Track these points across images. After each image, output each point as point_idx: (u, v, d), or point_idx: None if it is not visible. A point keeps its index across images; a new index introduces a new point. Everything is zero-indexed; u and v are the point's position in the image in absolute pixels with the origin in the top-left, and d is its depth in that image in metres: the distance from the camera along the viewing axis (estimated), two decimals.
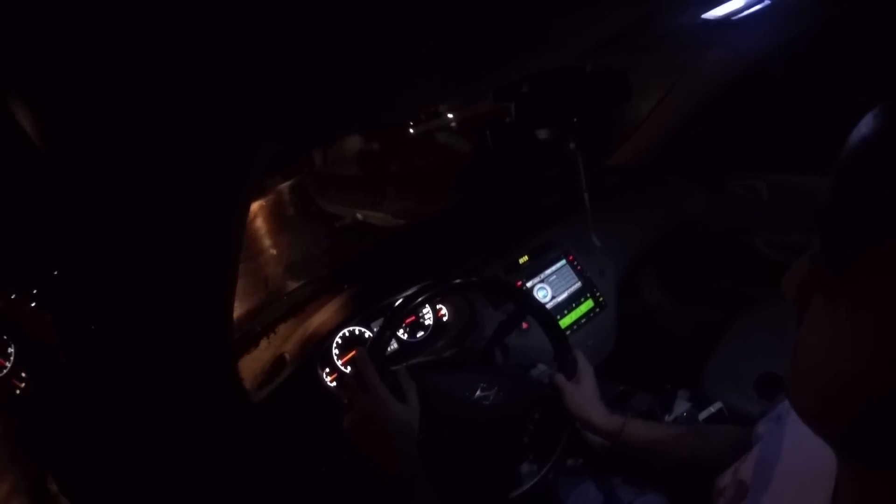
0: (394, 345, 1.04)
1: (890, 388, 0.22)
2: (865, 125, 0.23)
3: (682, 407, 1.16)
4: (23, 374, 0.72)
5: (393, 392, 0.65)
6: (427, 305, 1.08)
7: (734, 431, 0.66)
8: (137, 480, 0.67)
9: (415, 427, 0.65)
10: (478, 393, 0.77)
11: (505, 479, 0.72)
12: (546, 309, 0.85)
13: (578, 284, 1.20)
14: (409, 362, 0.81)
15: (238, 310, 1.08)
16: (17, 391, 0.71)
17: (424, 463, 0.63)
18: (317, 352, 0.94)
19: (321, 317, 0.99)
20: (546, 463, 0.73)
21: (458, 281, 0.78)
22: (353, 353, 0.98)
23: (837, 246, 0.24)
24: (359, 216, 4.38)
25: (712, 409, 0.99)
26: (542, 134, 0.87)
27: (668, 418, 1.20)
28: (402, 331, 1.05)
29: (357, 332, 0.99)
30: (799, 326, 0.29)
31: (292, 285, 1.33)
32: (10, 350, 0.72)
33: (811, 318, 0.27)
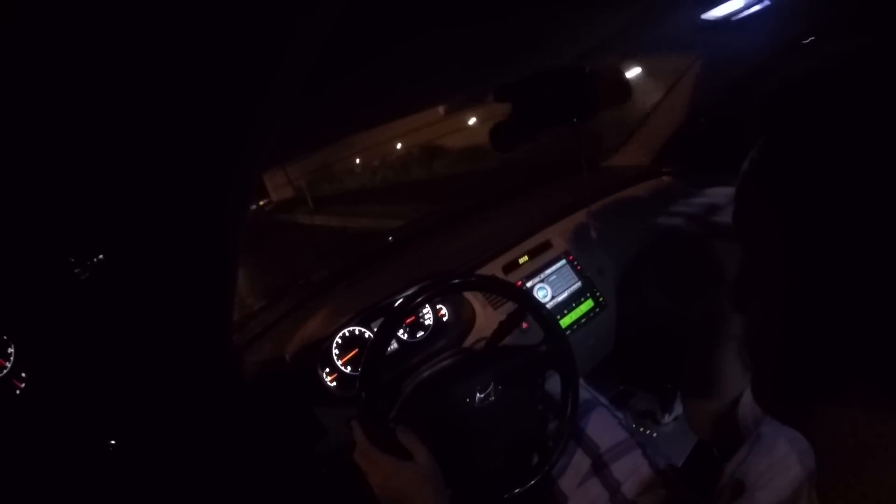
0: (394, 345, 1.04)
1: (790, 342, 0.30)
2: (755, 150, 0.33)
3: (681, 407, 1.16)
4: (23, 374, 0.72)
5: (398, 451, 0.66)
6: (427, 305, 1.07)
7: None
8: (140, 478, 0.67)
9: (433, 474, 0.65)
10: (478, 396, 0.77)
11: (542, 448, 0.78)
12: (546, 308, 0.85)
13: (578, 284, 1.20)
14: (399, 413, 0.79)
15: (238, 310, 1.08)
16: (17, 391, 0.71)
17: (469, 482, 0.68)
18: (317, 352, 0.93)
19: (321, 316, 0.99)
20: (566, 410, 0.79)
21: (457, 281, 0.78)
22: (354, 352, 0.98)
23: (749, 243, 0.32)
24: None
25: None
26: (542, 133, 0.87)
27: (668, 418, 1.20)
28: (402, 331, 1.05)
29: (357, 332, 0.99)
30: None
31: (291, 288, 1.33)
32: (10, 350, 0.72)
33: (751, 308, 0.34)
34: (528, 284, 1.14)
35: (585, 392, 0.93)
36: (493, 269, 1.12)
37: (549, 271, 1.17)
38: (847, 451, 0.30)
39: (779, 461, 0.43)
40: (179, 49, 0.26)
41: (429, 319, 1.08)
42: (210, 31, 0.26)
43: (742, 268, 0.34)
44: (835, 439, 0.31)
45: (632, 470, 0.80)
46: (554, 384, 0.89)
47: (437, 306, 1.09)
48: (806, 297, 0.28)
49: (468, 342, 1.02)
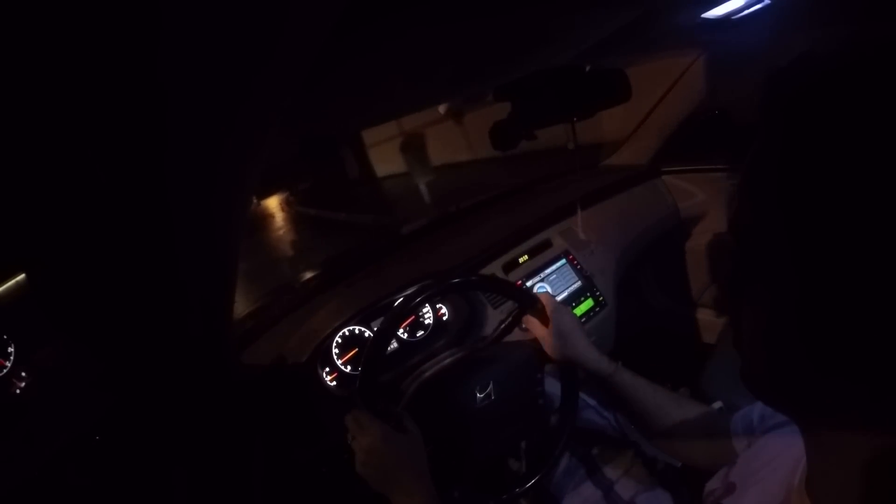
0: (394, 344, 1.03)
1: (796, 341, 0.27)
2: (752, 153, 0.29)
3: None
4: (23, 374, 0.72)
5: (392, 424, 0.67)
6: (427, 305, 1.07)
7: (711, 418, 0.68)
8: (140, 478, 0.67)
9: (421, 450, 0.66)
10: (479, 397, 0.77)
11: (548, 438, 0.79)
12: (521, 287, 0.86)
13: (578, 283, 1.20)
14: (398, 408, 0.81)
15: (238, 309, 1.08)
16: (17, 391, 0.71)
17: (470, 481, 0.70)
18: (317, 351, 0.93)
19: (321, 316, 0.99)
20: (569, 401, 0.80)
21: (457, 280, 0.78)
22: (354, 351, 0.98)
23: (743, 242, 0.31)
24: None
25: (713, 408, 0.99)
26: (542, 132, 0.88)
27: None
28: (402, 330, 1.05)
29: (357, 332, 0.99)
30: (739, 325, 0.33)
31: (290, 284, 1.34)
32: (10, 350, 0.72)
33: (744, 308, 0.32)
34: (529, 283, 1.14)
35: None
36: (494, 268, 1.12)
37: (549, 270, 1.17)
38: (847, 459, 0.28)
39: (771, 461, 0.43)
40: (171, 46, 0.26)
41: (429, 319, 1.08)
42: (203, 29, 0.26)
43: (737, 264, 0.32)
44: (834, 443, 0.29)
45: (624, 469, 0.80)
46: (551, 385, 0.89)
47: (437, 306, 1.09)
48: (802, 306, 0.26)
49: (468, 342, 1.02)
